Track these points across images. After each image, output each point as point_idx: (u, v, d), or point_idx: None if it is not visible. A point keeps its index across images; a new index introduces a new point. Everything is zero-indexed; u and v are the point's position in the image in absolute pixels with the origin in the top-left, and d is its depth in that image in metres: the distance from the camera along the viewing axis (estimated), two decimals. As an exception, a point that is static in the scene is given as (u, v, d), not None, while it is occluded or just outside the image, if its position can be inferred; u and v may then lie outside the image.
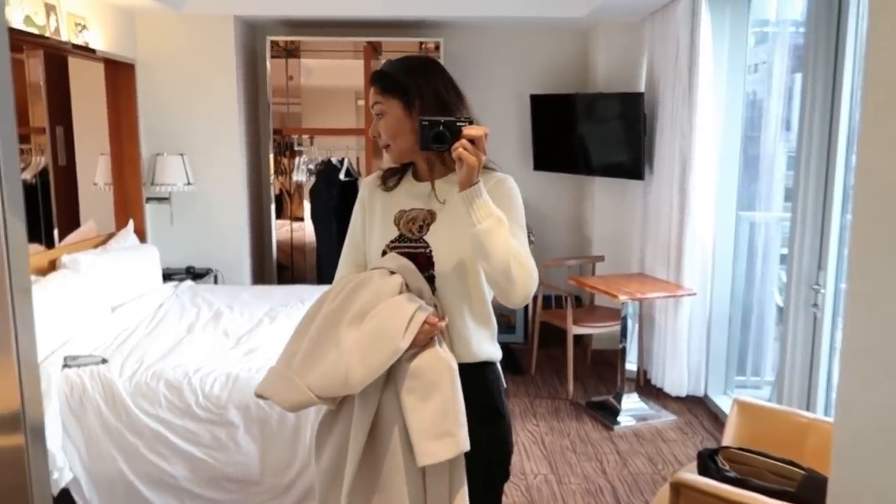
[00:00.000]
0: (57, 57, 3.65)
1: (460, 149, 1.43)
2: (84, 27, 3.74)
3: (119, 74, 4.22)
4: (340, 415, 1.59)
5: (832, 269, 2.82)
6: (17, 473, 0.66)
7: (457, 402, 1.50)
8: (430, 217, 1.62)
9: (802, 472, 2.11)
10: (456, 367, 1.52)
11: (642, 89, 4.34)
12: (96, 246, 3.85)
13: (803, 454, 2.25)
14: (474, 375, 1.59)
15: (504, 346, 1.73)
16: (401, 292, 1.54)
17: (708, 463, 2.19)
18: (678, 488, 2.03)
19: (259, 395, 1.61)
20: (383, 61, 2.10)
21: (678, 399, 3.98)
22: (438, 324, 1.53)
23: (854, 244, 1.37)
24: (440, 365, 1.51)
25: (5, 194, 0.62)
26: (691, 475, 2.10)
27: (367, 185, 1.74)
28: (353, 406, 1.55)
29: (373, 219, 1.69)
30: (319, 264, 4.79)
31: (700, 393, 3.97)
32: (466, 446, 1.49)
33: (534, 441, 3.52)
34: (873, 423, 1.33)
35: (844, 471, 1.43)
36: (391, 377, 1.53)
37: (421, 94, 1.59)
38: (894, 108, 1.26)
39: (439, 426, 1.48)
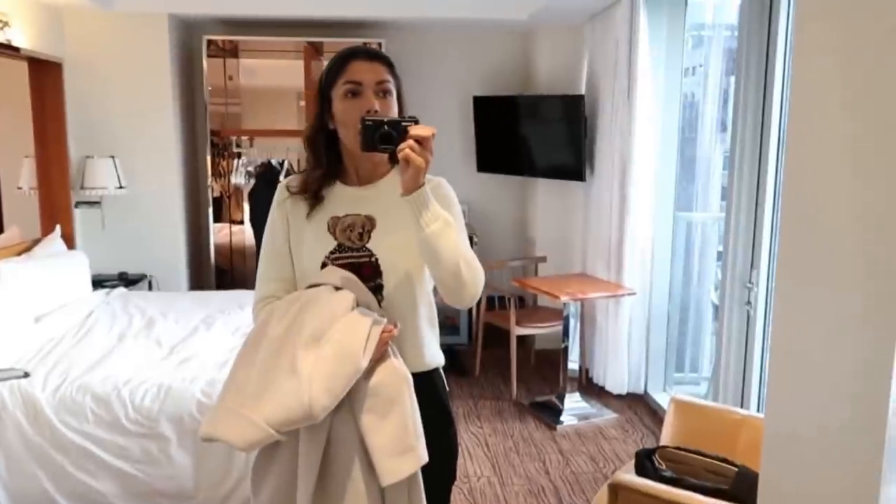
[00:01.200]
0: (-25, 55, 3.49)
1: (407, 150, 1.36)
2: (6, 24, 3.57)
3: (45, 74, 4.04)
4: (280, 444, 1.45)
5: (764, 268, 2.88)
6: None
7: (415, 415, 1.45)
8: (370, 223, 1.54)
9: (735, 468, 2.15)
10: (411, 378, 1.48)
11: (583, 91, 4.38)
12: (20, 253, 3.67)
13: (737, 451, 2.29)
14: (426, 383, 1.55)
15: (448, 348, 1.70)
16: (353, 309, 1.46)
17: (645, 463, 2.21)
18: (616, 490, 2.05)
19: (207, 439, 1.42)
20: (325, 62, 2.02)
21: (619, 397, 4.02)
22: (393, 331, 1.47)
23: (783, 245, 1.40)
24: (397, 379, 1.45)
25: None
26: (629, 476, 2.11)
27: (288, 190, 1.59)
28: (296, 433, 1.43)
29: (300, 228, 1.57)
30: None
31: (640, 390, 4.03)
32: (426, 458, 1.44)
33: (477, 443, 3.50)
34: (801, 418, 1.36)
35: (774, 465, 1.45)
36: (346, 398, 1.43)
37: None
38: (819, 112, 1.29)
39: (402, 441, 1.42)
